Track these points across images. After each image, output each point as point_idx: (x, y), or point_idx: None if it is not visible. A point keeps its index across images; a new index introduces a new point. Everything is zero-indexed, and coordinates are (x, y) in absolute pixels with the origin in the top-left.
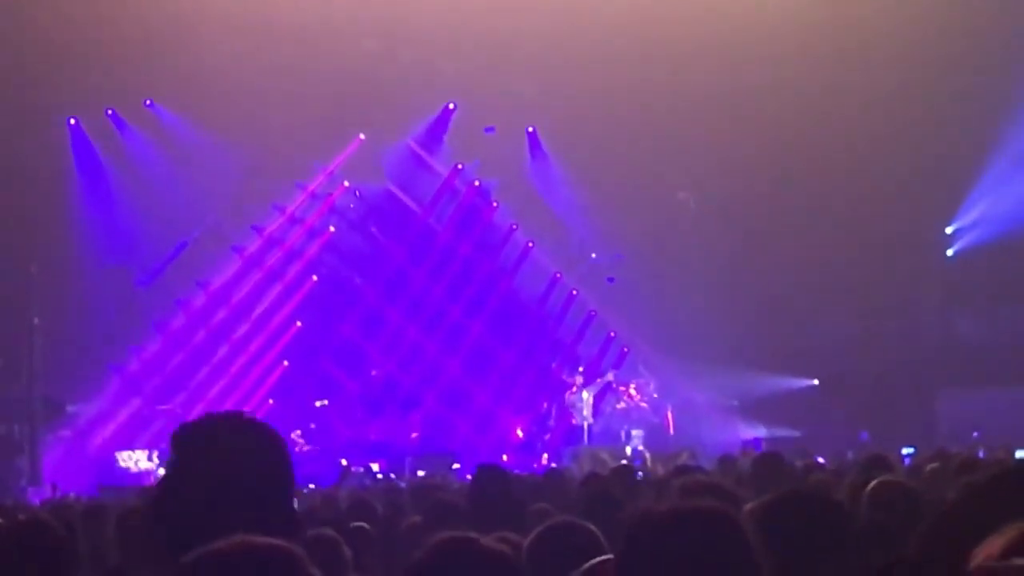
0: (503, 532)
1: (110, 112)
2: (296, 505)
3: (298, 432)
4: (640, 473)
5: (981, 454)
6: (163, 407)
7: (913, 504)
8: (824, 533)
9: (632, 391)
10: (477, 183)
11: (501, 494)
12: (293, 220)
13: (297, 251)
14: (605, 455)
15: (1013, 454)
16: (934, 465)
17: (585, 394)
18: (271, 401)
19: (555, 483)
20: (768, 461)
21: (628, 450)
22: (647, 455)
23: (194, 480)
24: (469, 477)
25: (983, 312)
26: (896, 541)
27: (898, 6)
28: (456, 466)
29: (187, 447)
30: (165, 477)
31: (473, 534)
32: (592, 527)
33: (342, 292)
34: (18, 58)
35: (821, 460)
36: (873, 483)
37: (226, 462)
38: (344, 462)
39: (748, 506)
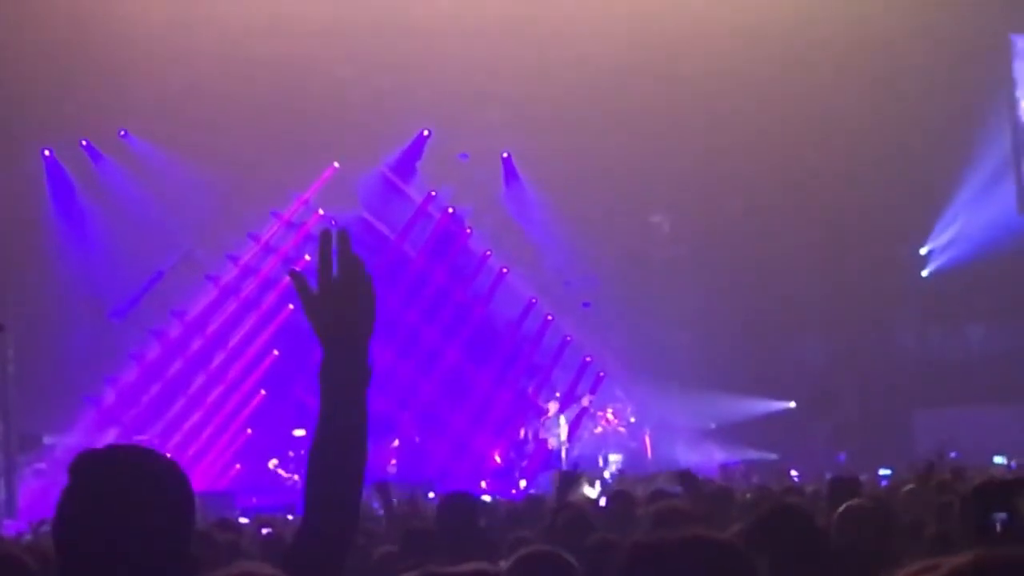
0: (477, 562)
1: (85, 143)
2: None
3: (275, 461)
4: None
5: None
6: (140, 437)
7: (881, 525)
8: (804, 553)
9: (609, 415)
10: (451, 209)
11: (468, 523)
12: (268, 249)
13: (273, 280)
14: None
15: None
16: (911, 486)
17: (562, 419)
18: (249, 431)
19: (533, 509)
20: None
21: (607, 474)
22: (625, 479)
23: (89, 510)
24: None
25: (958, 331)
26: (866, 562)
27: (871, 32)
28: (431, 495)
29: (84, 475)
30: (59, 505)
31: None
32: (569, 557)
33: None
34: None
35: (795, 475)
36: (843, 507)
37: (123, 493)
38: None
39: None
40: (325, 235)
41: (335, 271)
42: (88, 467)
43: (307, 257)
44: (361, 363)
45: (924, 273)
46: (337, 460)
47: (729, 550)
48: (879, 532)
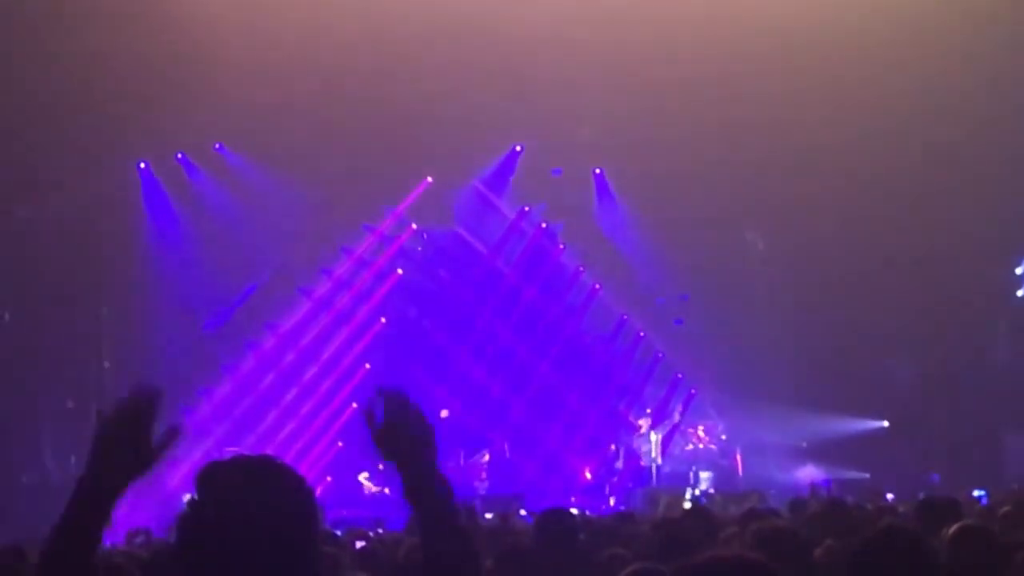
0: None
1: (180, 156)
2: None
3: (366, 474)
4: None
5: None
6: (233, 449)
7: (994, 549)
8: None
9: (700, 433)
10: (544, 225)
11: (567, 540)
12: (361, 262)
13: (365, 293)
14: (666, 498)
15: None
16: (1007, 508)
17: (653, 436)
18: (340, 443)
19: (628, 527)
20: (837, 507)
21: (698, 491)
22: (716, 497)
23: (216, 521)
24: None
25: None
26: None
27: (966, 52)
28: (523, 512)
29: (212, 487)
30: (185, 516)
31: None
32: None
33: (410, 334)
34: (90, 103)
35: (890, 497)
36: (956, 527)
37: (252, 505)
38: None
39: (827, 544)
40: (365, 412)
41: (380, 421)
42: (216, 478)
43: (399, 271)
44: (433, 478)
45: (1020, 293)
46: (449, 564)
47: (760, 571)
48: (990, 554)
